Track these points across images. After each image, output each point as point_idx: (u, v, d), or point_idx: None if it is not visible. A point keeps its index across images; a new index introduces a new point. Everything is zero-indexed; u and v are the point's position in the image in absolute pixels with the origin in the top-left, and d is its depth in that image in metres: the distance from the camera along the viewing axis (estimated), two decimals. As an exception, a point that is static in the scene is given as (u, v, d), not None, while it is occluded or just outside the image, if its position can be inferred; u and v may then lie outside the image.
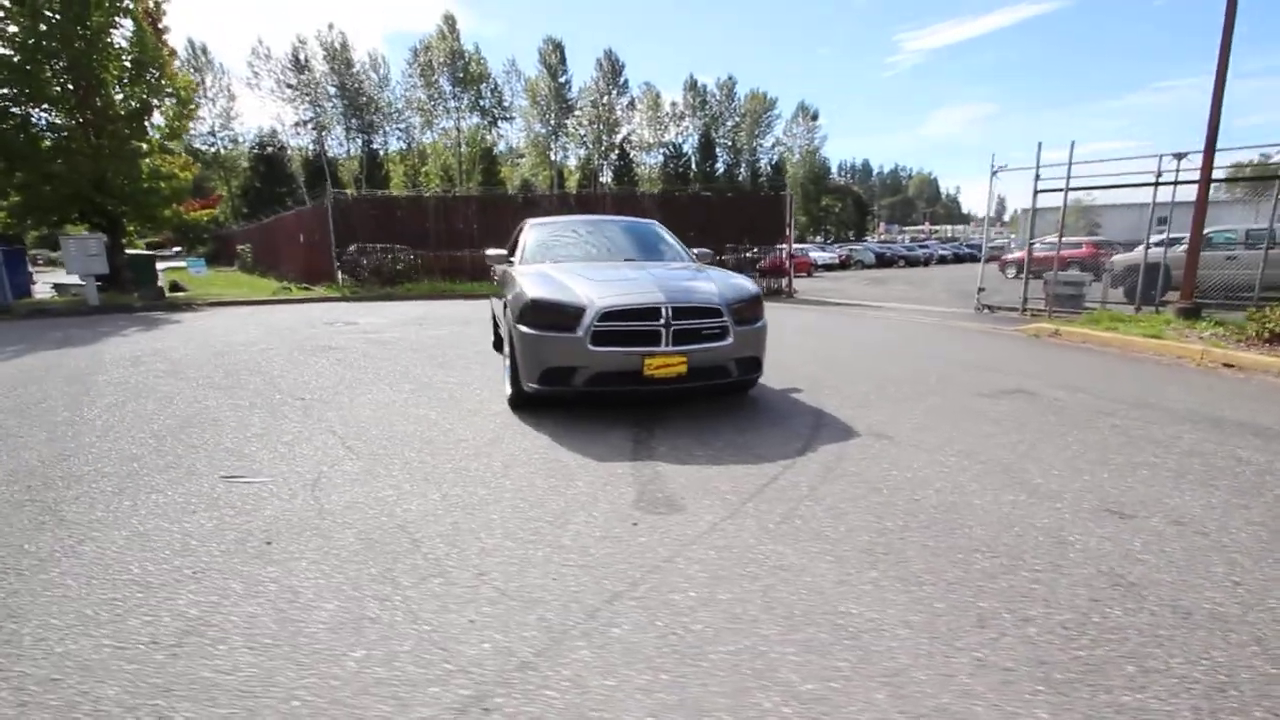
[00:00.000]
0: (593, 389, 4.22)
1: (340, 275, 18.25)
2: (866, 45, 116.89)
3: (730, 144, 70.95)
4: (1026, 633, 2.02)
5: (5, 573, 2.42)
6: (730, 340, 4.39)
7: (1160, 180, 11.85)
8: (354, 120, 51.25)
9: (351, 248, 18.11)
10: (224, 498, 3.14)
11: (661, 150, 67.26)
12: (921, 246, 42.31)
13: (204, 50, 50.72)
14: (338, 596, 2.24)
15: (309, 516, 2.90)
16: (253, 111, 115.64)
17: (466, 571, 2.41)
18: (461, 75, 52.72)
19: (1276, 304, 7.39)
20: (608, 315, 4.13)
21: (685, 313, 4.25)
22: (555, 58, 56.57)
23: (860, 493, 3.16)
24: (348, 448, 3.89)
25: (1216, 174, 10.81)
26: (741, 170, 71.43)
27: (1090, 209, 36.18)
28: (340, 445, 3.95)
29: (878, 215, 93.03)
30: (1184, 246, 11.71)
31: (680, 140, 67.96)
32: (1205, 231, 14.63)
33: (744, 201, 16.86)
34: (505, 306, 4.95)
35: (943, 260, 40.03)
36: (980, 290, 13.23)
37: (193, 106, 18.31)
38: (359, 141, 53.07)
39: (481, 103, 54.87)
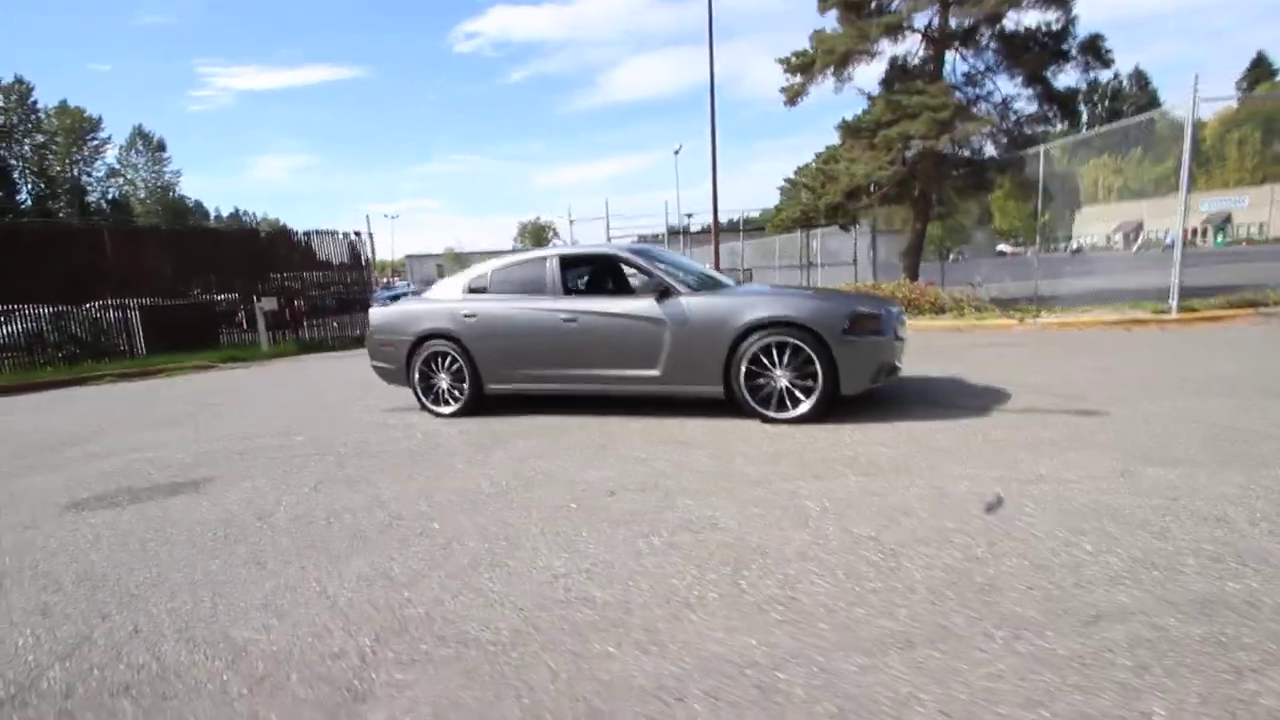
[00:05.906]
0: (889, 379, 4.83)
1: None
2: (162, 73, 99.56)
3: (38, 169, 52.12)
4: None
5: None
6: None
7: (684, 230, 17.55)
8: None
9: None
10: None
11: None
12: (386, 287, 43.14)
13: None
14: None
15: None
16: None
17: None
18: None
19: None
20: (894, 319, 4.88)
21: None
22: None
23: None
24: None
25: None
26: (62, 202, 53.41)
27: (462, 255, 45.05)
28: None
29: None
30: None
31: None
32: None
33: (321, 240, 14.56)
34: (742, 332, 4.60)
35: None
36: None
37: None
38: None
39: None
